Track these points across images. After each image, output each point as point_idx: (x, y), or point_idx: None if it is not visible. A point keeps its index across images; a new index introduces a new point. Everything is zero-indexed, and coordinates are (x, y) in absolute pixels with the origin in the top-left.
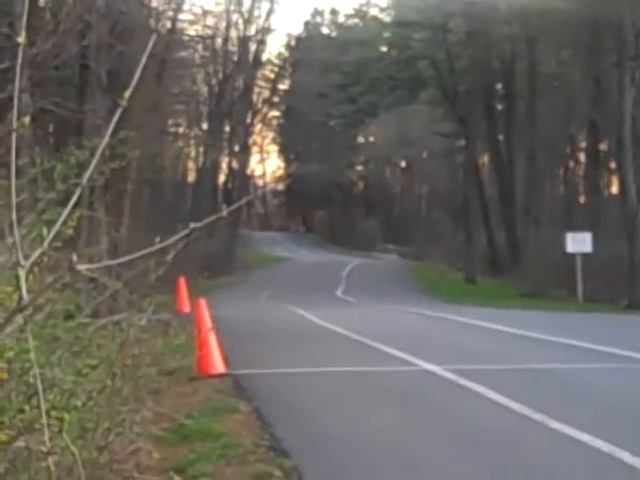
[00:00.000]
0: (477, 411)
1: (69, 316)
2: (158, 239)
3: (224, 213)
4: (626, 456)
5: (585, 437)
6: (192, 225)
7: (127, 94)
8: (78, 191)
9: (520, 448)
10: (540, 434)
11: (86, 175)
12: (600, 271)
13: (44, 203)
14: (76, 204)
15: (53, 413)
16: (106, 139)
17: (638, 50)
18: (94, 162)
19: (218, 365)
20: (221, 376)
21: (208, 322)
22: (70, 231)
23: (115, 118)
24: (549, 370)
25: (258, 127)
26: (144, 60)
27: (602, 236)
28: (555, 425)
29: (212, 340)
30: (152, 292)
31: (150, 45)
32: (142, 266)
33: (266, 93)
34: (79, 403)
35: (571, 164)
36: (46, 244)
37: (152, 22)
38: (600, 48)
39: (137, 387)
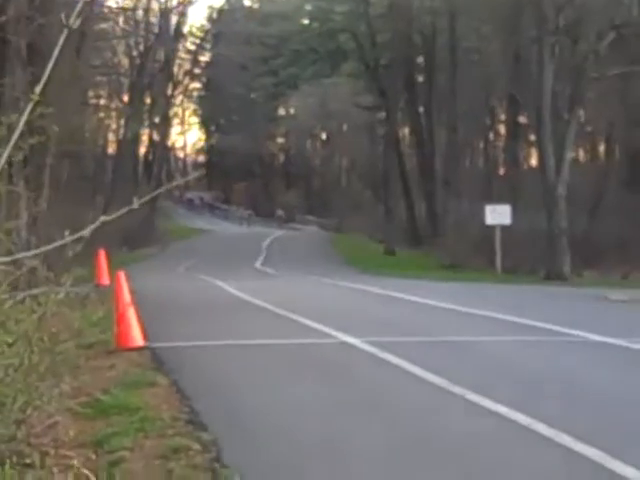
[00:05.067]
0: (396, 383)
1: None
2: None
3: (135, 205)
4: (542, 428)
5: (502, 409)
6: (102, 218)
7: (46, 72)
8: None
9: (438, 421)
10: (458, 407)
11: (4, 154)
12: (519, 243)
13: None
14: None
15: None
16: (24, 117)
17: (558, 25)
18: (13, 139)
19: (137, 338)
20: (140, 349)
21: (127, 296)
22: None
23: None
24: (468, 342)
25: (179, 99)
26: (64, 35)
27: (521, 208)
28: (473, 397)
29: (131, 314)
30: (71, 265)
31: (74, 18)
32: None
33: (187, 65)
34: None
35: (491, 137)
36: None
37: None
38: (520, 23)
39: (55, 362)
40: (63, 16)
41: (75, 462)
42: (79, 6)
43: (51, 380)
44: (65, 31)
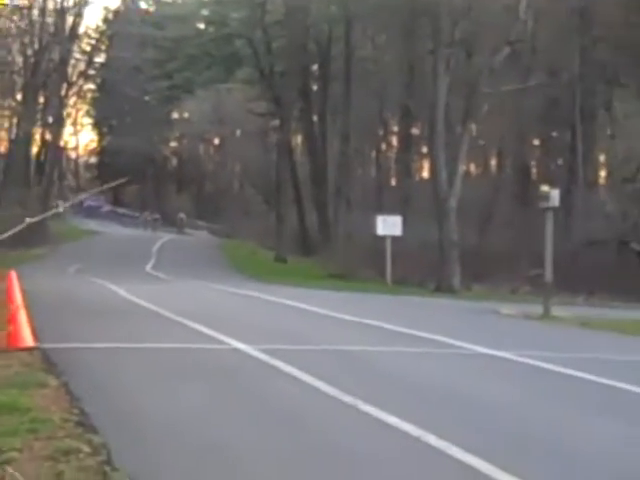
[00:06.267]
0: (287, 392)
1: None
2: None
3: (60, 209)
4: (432, 439)
5: (393, 420)
6: (27, 220)
7: None
8: None
9: (329, 431)
10: (350, 417)
11: None
12: (410, 254)
13: None
14: None
15: None
16: None
17: (453, 38)
18: None
19: (27, 338)
20: (30, 350)
21: (18, 296)
22: None
23: None
24: (359, 352)
25: (73, 100)
26: None
27: (412, 220)
28: (365, 408)
29: (22, 314)
30: None
31: None
32: None
33: (82, 66)
34: None
35: (383, 147)
36: None
37: None
38: (415, 34)
39: None
40: None
41: None
42: None
43: None
44: None
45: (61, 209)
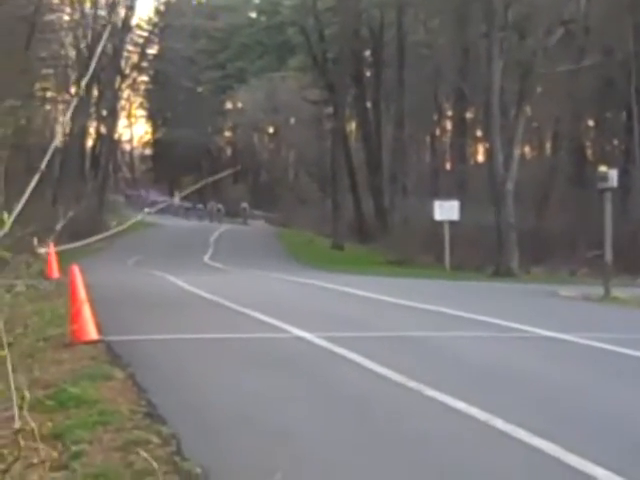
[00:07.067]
0: (352, 379)
1: None
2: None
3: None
4: (499, 423)
5: (460, 405)
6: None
7: None
8: None
9: (396, 416)
10: (415, 402)
11: None
12: (467, 239)
13: None
14: None
15: None
16: None
17: (507, 20)
18: None
19: (92, 332)
20: (95, 343)
21: (82, 291)
22: None
23: None
24: (421, 338)
25: (126, 92)
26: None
27: (468, 204)
28: (430, 393)
29: (86, 308)
30: (27, 258)
31: None
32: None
33: (135, 58)
34: None
35: (438, 132)
36: None
37: None
38: (468, 18)
39: (12, 353)
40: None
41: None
42: None
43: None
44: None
45: (149, 213)
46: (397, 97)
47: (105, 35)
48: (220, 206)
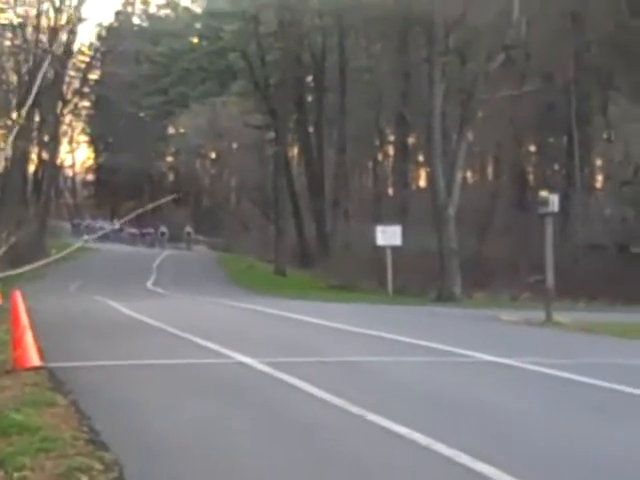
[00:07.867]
0: (295, 404)
1: None
2: None
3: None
4: (442, 448)
5: (402, 430)
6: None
7: None
8: None
9: (339, 442)
10: (358, 427)
11: None
12: (409, 264)
13: None
14: None
15: None
16: None
17: (448, 46)
18: None
19: (34, 358)
20: (38, 369)
21: (24, 317)
22: None
23: None
24: (363, 363)
25: (68, 117)
26: None
27: (411, 229)
28: (372, 417)
29: (28, 335)
30: None
31: None
32: None
33: (76, 83)
34: None
35: (380, 157)
36: None
37: None
38: (410, 43)
39: None
40: None
41: None
42: None
43: None
44: None
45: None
46: (339, 122)
47: (47, 61)
48: (164, 229)
